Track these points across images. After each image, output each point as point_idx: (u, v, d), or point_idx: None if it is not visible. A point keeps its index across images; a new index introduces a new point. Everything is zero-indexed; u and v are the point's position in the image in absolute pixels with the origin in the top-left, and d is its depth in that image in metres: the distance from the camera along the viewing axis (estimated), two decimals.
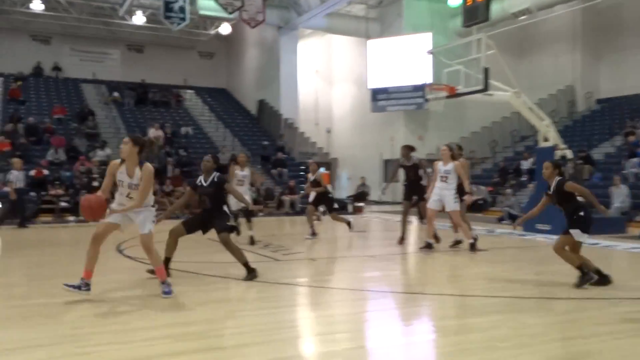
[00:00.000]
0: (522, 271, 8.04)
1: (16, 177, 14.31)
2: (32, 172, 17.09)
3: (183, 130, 24.73)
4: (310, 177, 11.82)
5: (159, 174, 19.76)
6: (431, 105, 15.08)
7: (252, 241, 10.42)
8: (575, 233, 6.38)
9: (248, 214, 10.64)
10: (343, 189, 26.66)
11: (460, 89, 14.04)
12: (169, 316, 5.20)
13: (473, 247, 9.45)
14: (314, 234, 11.61)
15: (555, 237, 11.50)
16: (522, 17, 21.21)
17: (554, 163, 6.74)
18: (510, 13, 21.41)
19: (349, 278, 7.57)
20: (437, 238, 9.97)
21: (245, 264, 6.96)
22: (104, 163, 19.49)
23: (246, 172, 10.91)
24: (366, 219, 18.15)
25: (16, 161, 14.74)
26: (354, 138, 28.43)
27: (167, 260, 6.88)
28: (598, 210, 6.74)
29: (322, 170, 21.97)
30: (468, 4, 14.16)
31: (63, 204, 16.83)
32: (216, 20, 27.36)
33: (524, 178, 18.88)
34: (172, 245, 6.92)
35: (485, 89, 13.32)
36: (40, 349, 4.19)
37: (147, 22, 26.63)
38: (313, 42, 30.07)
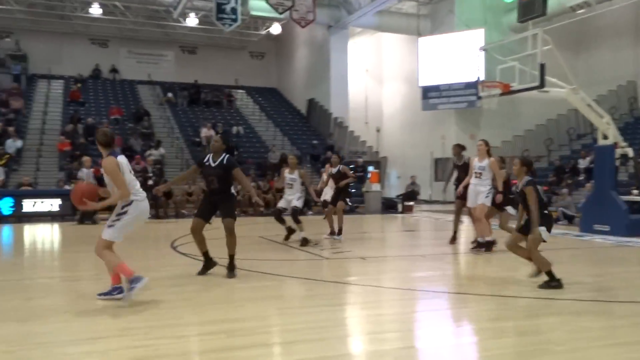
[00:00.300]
0: (579, 273, 7.79)
1: (87, 174, 15.01)
2: (91, 171, 17.75)
3: (234, 129, 25.15)
4: (333, 170, 11.31)
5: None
6: (484, 102, 14.78)
7: (306, 242, 10.13)
8: (542, 230, 6.37)
9: (294, 214, 10.43)
10: (393, 188, 26.49)
11: (515, 85, 13.70)
12: (220, 312, 5.31)
13: (489, 247, 9.22)
14: (339, 232, 11.04)
15: (613, 238, 11.17)
16: (581, 11, 20.50)
17: (522, 160, 6.69)
18: (568, 7, 20.72)
19: (398, 277, 7.53)
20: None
21: (231, 257, 6.95)
22: (159, 162, 20.05)
23: (295, 175, 10.56)
24: (416, 218, 17.99)
25: (86, 159, 15.51)
26: (404, 137, 28.20)
27: (206, 254, 7.03)
28: (532, 228, 6.46)
29: (371, 169, 21.98)
30: None
31: None
32: (267, 21, 27.69)
33: (581, 177, 18.28)
34: (200, 240, 6.99)
35: (541, 85, 12.93)
36: (99, 341, 4.35)
37: (200, 23, 27.21)
38: (363, 40, 29.99)
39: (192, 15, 26.66)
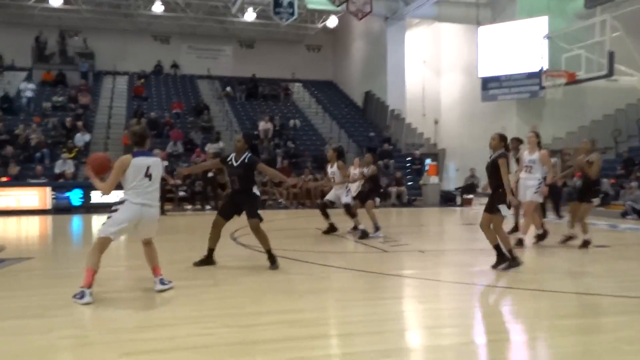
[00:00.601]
0: None
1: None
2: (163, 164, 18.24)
3: (291, 122, 25.34)
4: (365, 170, 10.72)
5: (271, 165, 20.35)
6: (548, 93, 14.30)
7: (365, 235, 10.03)
8: (502, 208, 6.79)
9: (348, 210, 10.39)
10: (451, 181, 26.05)
11: (581, 74, 13.18)
12: (280, 303, 5.37)
13: (520, 243, 8.88)
14: (375, 229, 10.61)
15: None
16: None
17: (500, 136, 7.06)
18: None
19: (458, 271, 7.40)
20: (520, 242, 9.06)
21: (269, 251, 6.94)
22: (218, 155, 20.45)
23: (334, 168, 10.54)
24: (475, 211, 17.62)
25: (157, 152, 15.95)
26: (463, 128, 27.62)
27: (212, 251, 7.09)
28: (507, 197, 6.83)
29: (428, 161, 21.67)
30: None
31: (181, 193, 17.89)
32: (323, 14, 27.68)
33: None
34: (215, 236, 7.08)
35: (610, 74, 12.39)
36: (165, 328, 4.50)
37: (257, 18, 27.51)
38: (420, 31, 29.52)
39: (249, 10, 27.00)
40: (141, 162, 5.49)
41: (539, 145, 8.91)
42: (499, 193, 6.82)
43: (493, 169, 6.90)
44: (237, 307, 5.17)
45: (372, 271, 7.00)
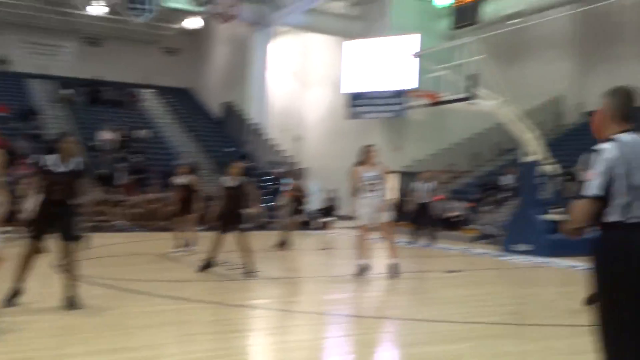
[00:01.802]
0: (498, 295, 8.12)
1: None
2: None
3: (138, 133, 24.46)
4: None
5: (109, 182, 19.15)
6: (412, 113, 15.10)
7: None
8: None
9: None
10: (313, 202, 26.54)
11: (444, 96, 14.08)
12: (110, 340, 5.08)
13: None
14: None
15: (535, 258, 11.69)
16: (515, 21, 21.23)
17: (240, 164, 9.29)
18: (502, 15, 21.37)
19: (310, 300, 7.56)
20: None
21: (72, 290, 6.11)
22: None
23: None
24: (333, 235, 18.05)
25: None
26: (327, 146, 28.35)
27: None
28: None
29: (286, 181, 21.83)
30: (458, 4, 14.26)
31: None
32: (183, 14, 27.20)
33: (504, 195, 18.79)
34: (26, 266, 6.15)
35: (471, 97, 13.31)
36: None
37: (106, 13, 26.36)
38: (288, 41, 30.02)
39: (96, 2, 25.77)
40: None
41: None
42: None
43: (241, 192, 8.79)
44: (52, 348, 4.81)
45: (218, 302, 6.92)
